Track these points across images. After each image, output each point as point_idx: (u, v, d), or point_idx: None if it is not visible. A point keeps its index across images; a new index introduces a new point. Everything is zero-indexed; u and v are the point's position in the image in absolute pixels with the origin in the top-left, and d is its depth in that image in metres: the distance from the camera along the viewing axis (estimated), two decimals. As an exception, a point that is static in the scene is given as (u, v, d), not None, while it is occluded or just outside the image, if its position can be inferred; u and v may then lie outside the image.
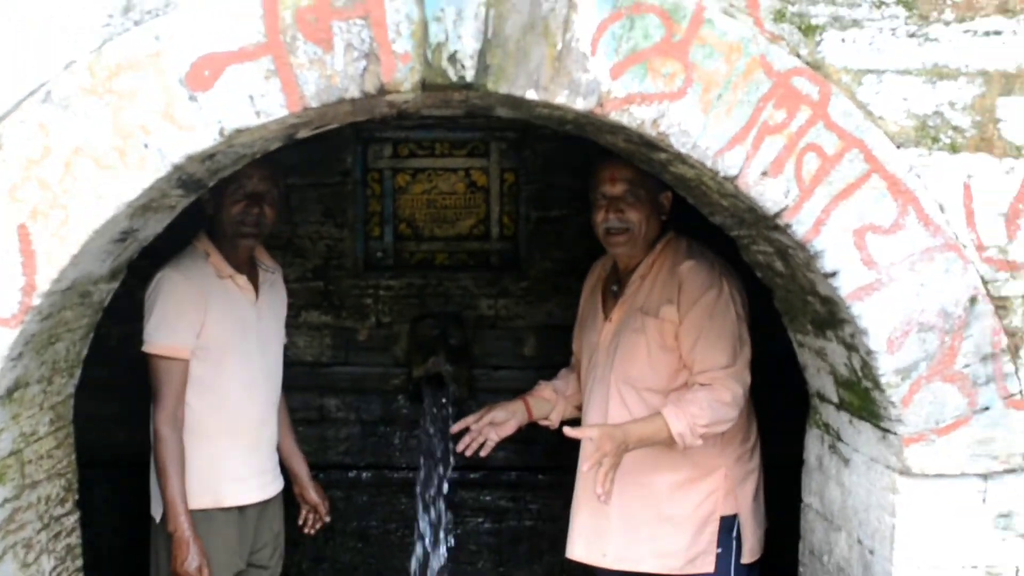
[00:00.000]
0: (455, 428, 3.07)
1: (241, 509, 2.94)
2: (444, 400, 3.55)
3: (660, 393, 2.75)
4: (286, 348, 3.21)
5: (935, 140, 2.12)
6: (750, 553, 2.86)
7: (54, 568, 2.43)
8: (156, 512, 2.86)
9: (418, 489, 3.33)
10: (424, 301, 3.88)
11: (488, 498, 3.86)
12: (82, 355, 2.50)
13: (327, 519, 3.27)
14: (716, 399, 2.63)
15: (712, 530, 2.81)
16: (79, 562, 2.60)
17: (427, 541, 3.29)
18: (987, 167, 2.13)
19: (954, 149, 2.12)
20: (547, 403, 3.11)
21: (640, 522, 2.82)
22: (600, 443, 2.52)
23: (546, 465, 3.80)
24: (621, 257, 2.91)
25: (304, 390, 3.81)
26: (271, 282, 3.06)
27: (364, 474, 3.87)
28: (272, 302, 3.05)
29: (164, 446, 2.76)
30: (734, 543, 2.84)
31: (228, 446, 2.89)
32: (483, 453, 3.04)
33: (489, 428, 3.02)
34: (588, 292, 3.14)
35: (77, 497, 2.58)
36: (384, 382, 3.89)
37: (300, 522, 3.24)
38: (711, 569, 2.82)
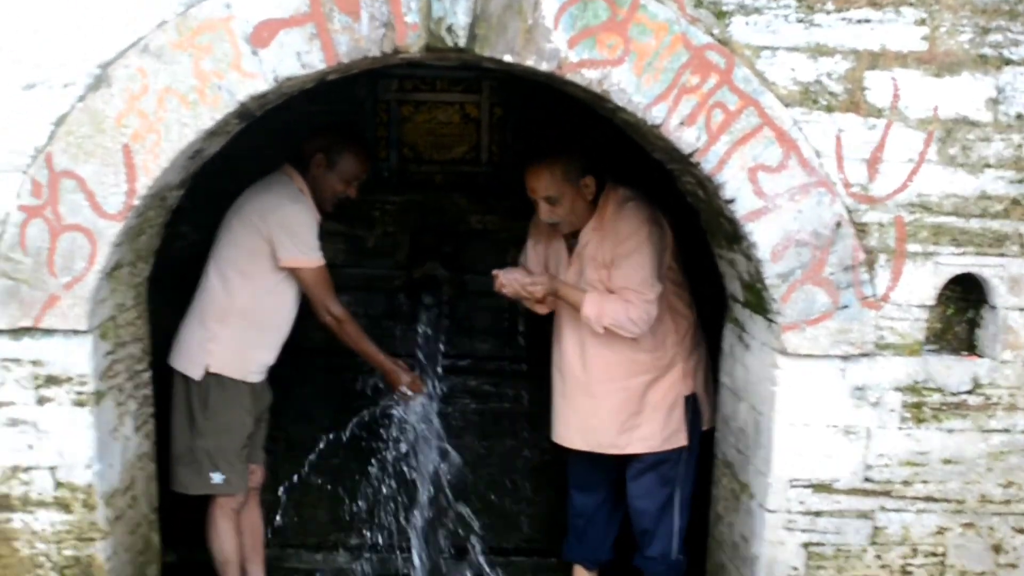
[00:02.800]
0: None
1: (252, 385, 3.57)
2: (437, 298, 4.22)
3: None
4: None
5: (815, 102, 2.74)
6: (707, 421, 3.57)
7: (135, 410, 3.14)
8: (194, 372, 3.42)
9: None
10: (423, 215, 4.29)
11: (473, 383, 4.37)
12: (155, 247, 3.16)
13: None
14: (626, 312, 3.26)
15: (679, 410, 3.51)
16: (151, 409, 3.29)
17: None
18: (855, 124, 2.75)
19: (829, 109, 2.74)
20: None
21: (625, 416, 3.49)
22: (533, 288, 3.38)
23: (524, 357, 4.30)
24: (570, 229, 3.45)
25: (323, 288, 4.42)
26: None
27: (371, 361, 4.41)
28: None
29: (351, 325, 3.57)
30: (693, 416, 3.54)
31: (265, 339, 3.53)
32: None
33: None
34: (543, 234, 3.61)
35: (151, 358, 3.26)
36: (388, 283, 4.31)
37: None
38: (685, 442, 3.53)
